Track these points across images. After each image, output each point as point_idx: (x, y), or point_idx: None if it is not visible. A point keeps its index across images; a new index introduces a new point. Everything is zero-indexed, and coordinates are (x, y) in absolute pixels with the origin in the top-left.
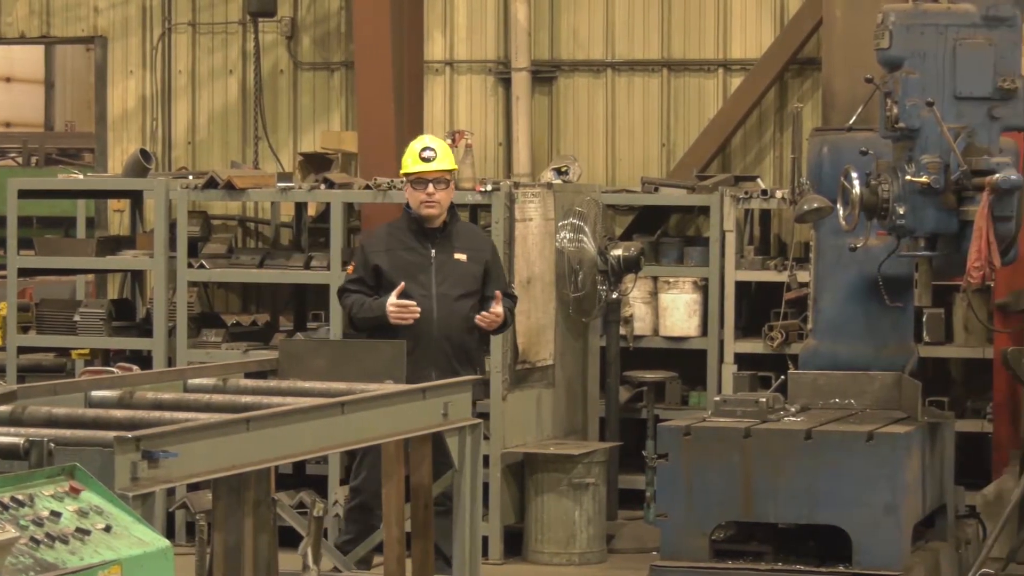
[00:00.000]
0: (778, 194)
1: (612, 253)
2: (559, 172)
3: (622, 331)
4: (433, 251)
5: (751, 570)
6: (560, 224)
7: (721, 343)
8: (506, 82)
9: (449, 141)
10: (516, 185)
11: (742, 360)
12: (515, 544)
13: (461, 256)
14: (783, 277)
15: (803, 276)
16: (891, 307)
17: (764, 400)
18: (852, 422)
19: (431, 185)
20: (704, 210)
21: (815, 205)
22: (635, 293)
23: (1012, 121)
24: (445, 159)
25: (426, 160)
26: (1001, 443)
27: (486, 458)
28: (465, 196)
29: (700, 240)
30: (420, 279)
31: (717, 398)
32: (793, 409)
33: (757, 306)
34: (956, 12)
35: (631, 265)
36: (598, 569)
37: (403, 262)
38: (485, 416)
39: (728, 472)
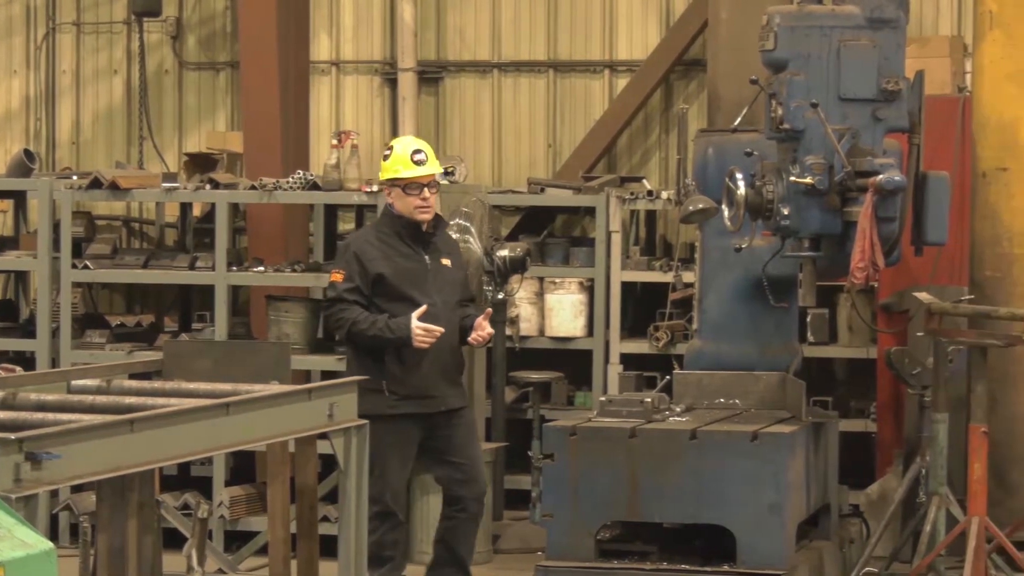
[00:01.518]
0: (664, 195)
1: (498, 254)
2: (445, 172)
3: (508, 332)
4: (427, 257)
5: (636, 570)
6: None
7: (607, 343)
8: (392, 82)
9: (335, 142)
10: None
11: (628, 360)
12: None
13: (447, 262)
14: (668, 278)
15: (688, 277)
16: (775, 307)
17: (649, 400)
18: (737, 422)
19: (426, 189)
20: (590, 211)
21: (700, 206)
22: (521, 294)
23: (896, 122)
24: (435, 161)
25: (419, 164)
26: (885, 443)
27: None
28: (351, 197)
29: (586, 241)
30: (423, 288)
31: (603, 398)
32: (678, 409)
33: (643, 306)
34: (840, 14)
35: (517, 266)
36: (484, 570)
37: (403, 270)
38: None
39: (614, 472)
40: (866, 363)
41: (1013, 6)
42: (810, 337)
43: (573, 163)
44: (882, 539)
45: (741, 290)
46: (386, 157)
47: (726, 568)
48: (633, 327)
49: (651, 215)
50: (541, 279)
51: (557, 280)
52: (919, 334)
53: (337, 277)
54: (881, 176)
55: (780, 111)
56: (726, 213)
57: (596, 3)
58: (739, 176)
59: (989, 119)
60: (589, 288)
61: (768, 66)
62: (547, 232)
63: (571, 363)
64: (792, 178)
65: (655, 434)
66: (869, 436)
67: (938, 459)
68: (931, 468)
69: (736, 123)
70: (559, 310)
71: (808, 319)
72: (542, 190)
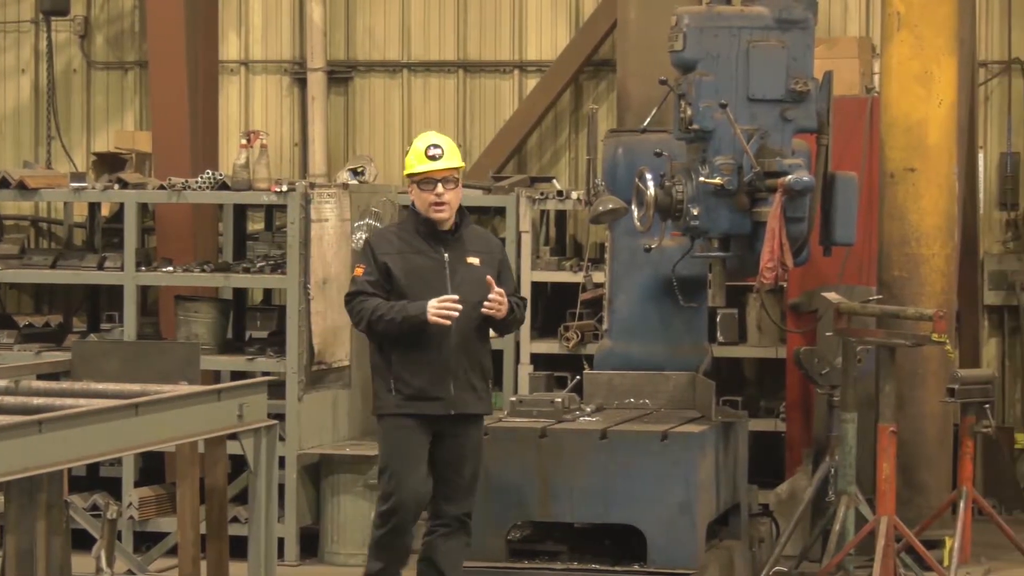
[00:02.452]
0: (573, 195)
1: None
2: (355, 172)
3: None
4: (446, 255)
5: (547, 570)
6: (356, 225)
7: (517, 344)
8: (302, 82)
9: (244, 141)
10: (312, 186)
11: (538, 360)
12: (311, 545)
13: (474, 260)
14: (579, 278)
15: (598, 277)
16: (685, 307)
17: (560, 400)
18: (647, 422)
19: (440, 185)
20: (500, 211)
21: (610, 206)
22: None
23: (804, 123)
24: (453, 156)
25: (433, 158)
26: (794, 442)
27: (282, 459)
28: (260, 197)
29: None
30: (434, 285)
31: (513, 398)
32: (589, 409)
33: (553, 307)
34: (749, 15)
35: None
36: None
37: (414, 266)
38: (281, 417)
39: (524, 472)
40: (775, 363)
41: (920, 7)
42: (719, 337)
43: (483, 163)
44: (792, 538)
45: (651, 290)
46: (407, 153)
47: (636, 568)
48: (543, 327)
49: (561, 215)
50: None
51: None
52: (828, 334)
53: (358, 271)
54: (790, 176)
55: (689, 112)
56: (636, 213)
57: (506, 4)
58: (648, 176)
59: (897, 120)
60: None
61: (677, 67)
62: None
63: None
64: (701, 178)
65: (565, 434)
66: (778, 435)
67: (847, 458)
68: (840, 467)
69: (646, 123)
70: None
71: (718, 319)
72: None
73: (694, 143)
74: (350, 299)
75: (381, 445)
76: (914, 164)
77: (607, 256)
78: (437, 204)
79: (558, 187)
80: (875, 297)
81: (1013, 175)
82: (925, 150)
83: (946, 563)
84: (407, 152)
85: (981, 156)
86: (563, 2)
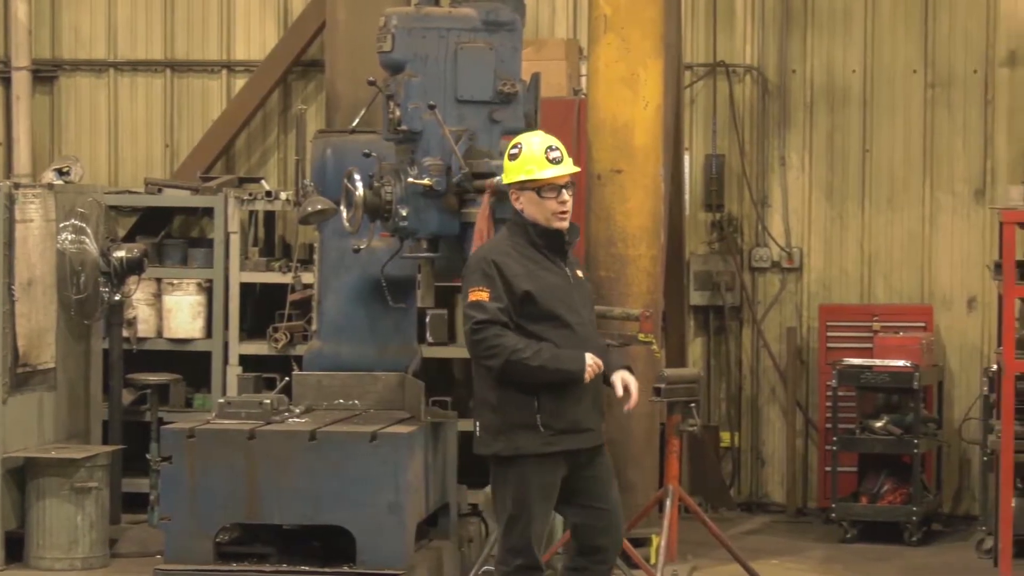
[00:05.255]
0: (282, 196)
1: (115, 255)
2: (60, 173)
3: (125, 333)
4: (567, 269)
5: (255, 572)
6: (62, 225)
7: (226, 345)
8: (6, 81)
9: None
10: (16, 186)
11: (247, 362)
12: (16, 550)
13: (581, 274)
14: (288, 279)
15: (308, 278)
16: (394, 308)
17: (269, 402)
18: (356, 422)
19: (564, 192)
20: (208, 211)
21: (319, 207)
22: (139, 295)
23: (512, 124)
24: (569, 159)
25: (556, 162)
26: None
27: None
28: None
29: (204, 242)
30: (570, 304)
31: (221, 400)
32: (298, 410)
33: (262, 308)
34: (457, 16)
35: (134, 267)
36: (101, 573)
37: (549, 286)
38: None
39: (232, 474)
40: None
41: (627, 11)
42: (429, 338)
43: (191, 163)
44: None
45: (360, 291)
46: (513, 156)
47: (346, 568)
48: (252, 328)
49: (270, 216)
50: (159, 280)
51: (175, 281)
52: None
53: (482, 295)
54: (498, 177)
55: (398, 113)
56: (344, 214)
57: (213, 3)
58: (357, 177)
59: (604, 121)
60: (208, 289)
61: (386, 67)
62: (165, 233)
63: (190, 365)
64: (410, 179)
65: (274, 435)
66: None
67: None
68: None
69: (354, 124)
70: (177, 311)
71: (427, 320)
72: (159, 191)
73: (403, 144)
74: (480, 329)
75: (512, 490)
76: (621, 166)
77: (316, 257)
78: (562, 213)
79: (267, 187)
80: None
81: (718, 177)
82: (631, 152)
83: (653, 561)
84: (513, 156)
85: (687, 158)
86: (272, 2)
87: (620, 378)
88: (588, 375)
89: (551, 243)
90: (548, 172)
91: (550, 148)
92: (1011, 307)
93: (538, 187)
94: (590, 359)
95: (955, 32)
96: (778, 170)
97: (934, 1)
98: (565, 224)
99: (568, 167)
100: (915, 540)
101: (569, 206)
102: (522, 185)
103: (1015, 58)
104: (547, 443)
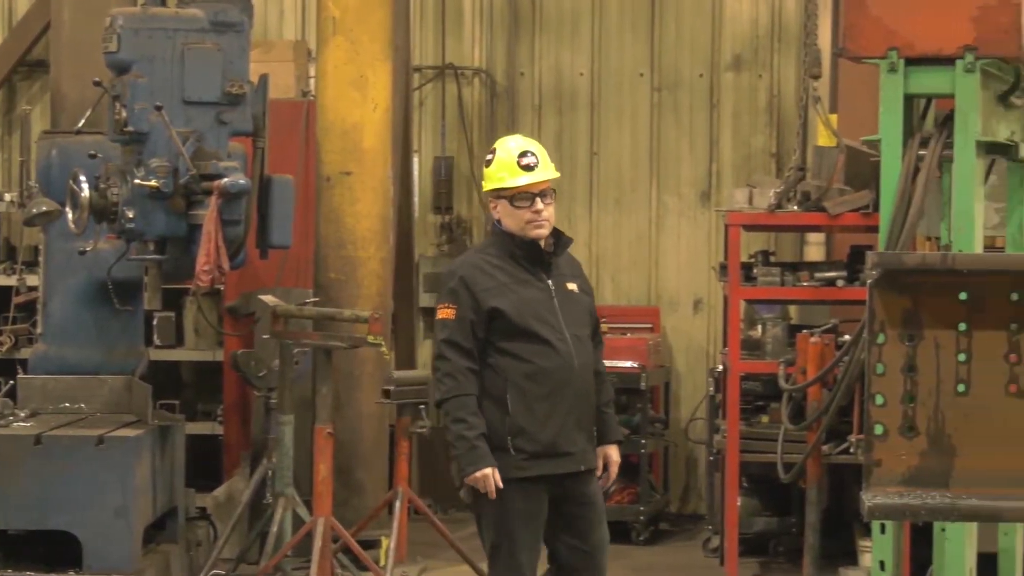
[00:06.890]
0: (7, 197)
1: None
2: None
3: None
4: (550, 282)
5: None
6: None
7: None
8: None
9: None
10: None
11: None
12: None
13: (573, 286)
14: (12, 281)
15: (33, 280)
16: (121, 310)
17: None
18: (82, 426)
19: (538, 200)
20: None
21: (44, 208)
22: None
23: (240, 126)
24: (548, 164)
25: (528, 168)
26: (231, 445)
27: None
28: None
29: None
30: (548, 319)
31: None
32: (23, 414)
33: None
34: (184, 17)
35: None
36: None
37: (524, 301)
38: None
39: None
40: (213, 366)
41: (355, 13)
42: (156, 340)
43: None
44: (230, 541)
45: (86, 293)
46: (488, 163)
47: (72, 573)
48: None
49: None
50: None
51: None
52: (265, 336)
53: (448, 313)
54: (225, 179)
55: (124, 113)
56: (70, 216)
57: None
58: (83, 178)
59: (333, 124)
60: None
61: (112, 68)
62: None
63: None
64: (137, 181)
65: None
66: (216, 438)
67: (284, 460)
68: (277, 469)
69: (80, 125)
70: None
71: (154, 322)
72: None
73: (130, 145)
74: (441, 355)
75: (492, 516)
76: (350, 168)
77: (41, 259)
78: (537, 221)
79: None
80: (312, 300)
81: (447, 179)
82: (361, 154)
83: (382, 562)
84: (488, 163)
85: (416, 160)
86: None
87: (603, 455)
88: (467, 482)
89: (531, 254)
90: (520, 180)
91: (523, 154)
92: (736, 308)
93: (511, 196)
94: (481, 474)
95: (682, 36)
96: None
97: (661, 5)
98: (542, 232)
99: (542, 173)
100: (643, 539)
101: (546, 214)
102: (497, 194)
103: (740, 62)
104: (519, 467)
